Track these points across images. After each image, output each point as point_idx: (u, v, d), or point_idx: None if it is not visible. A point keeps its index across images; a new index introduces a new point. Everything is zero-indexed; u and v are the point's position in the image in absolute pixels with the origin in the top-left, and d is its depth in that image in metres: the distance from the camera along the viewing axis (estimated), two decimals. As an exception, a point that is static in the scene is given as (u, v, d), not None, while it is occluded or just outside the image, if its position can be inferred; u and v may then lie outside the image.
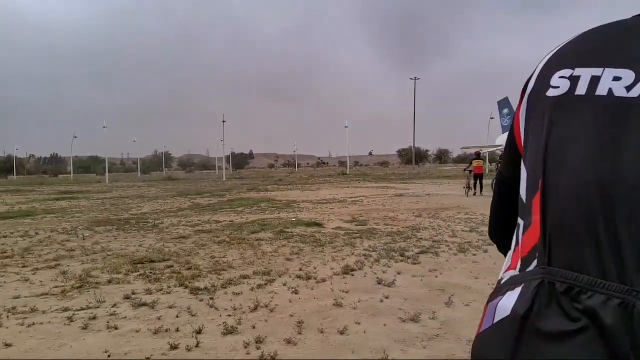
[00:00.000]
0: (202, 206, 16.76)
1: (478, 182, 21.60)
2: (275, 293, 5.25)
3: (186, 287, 5.51)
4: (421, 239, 8.77)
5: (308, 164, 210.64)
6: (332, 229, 10.18)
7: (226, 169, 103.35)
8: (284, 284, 5.62)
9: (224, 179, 48.10)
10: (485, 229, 10.13)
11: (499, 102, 35.09)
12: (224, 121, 52.78)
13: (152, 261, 6.98)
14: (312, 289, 5.42)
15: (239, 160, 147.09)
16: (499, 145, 30.87)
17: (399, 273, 6.09)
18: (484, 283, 5.55)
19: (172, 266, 6.67)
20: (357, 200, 17.90)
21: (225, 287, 5.50)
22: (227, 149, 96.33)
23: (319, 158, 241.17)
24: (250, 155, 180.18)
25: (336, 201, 17.84)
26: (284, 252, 7.62)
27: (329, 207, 15.51)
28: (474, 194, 21.03)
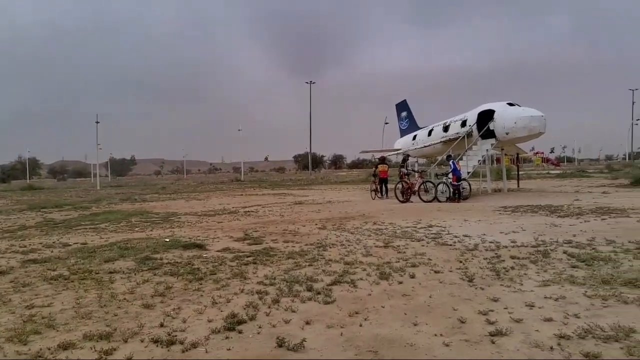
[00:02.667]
0: (55, 223, 13.74)
1: (383, 186, 21.62)
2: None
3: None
4: (330, 260, 7.16)
5: (199, 170, 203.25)
6: (218, 251, 8.22)
7: (105, 176, 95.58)
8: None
9: (98, 187, 43.28)
10: (402, 242, 8.93)
11: (397, 105, 35.21)
12: (97, 122, 47.67)
13: None
14: (174, 366, 3.50)
15: (120, 167, 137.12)
16: (399, 150, 30.77)
17: (307, 323, 4.37)
18: (428, 334, 4.02)
19: (-50, 331, 4.32)
20: (252, 211, 16.00)
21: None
22: (105, 154, 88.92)
23: (211, 164, 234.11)
24: (133, 161, 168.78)
25: (226, 212, 15.78)
26: (143, 292, 5.54)
27: (217, 220, 13.44)
28: (380, 198, 21.08)
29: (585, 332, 3.89)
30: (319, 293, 5.32)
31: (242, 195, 26.85)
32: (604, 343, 3.68)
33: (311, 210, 15.99)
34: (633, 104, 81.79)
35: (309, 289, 5.48)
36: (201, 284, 5.88)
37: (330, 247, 8.33)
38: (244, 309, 4.80)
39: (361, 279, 6.00)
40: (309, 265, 6.83)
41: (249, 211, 16.03)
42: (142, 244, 8.98)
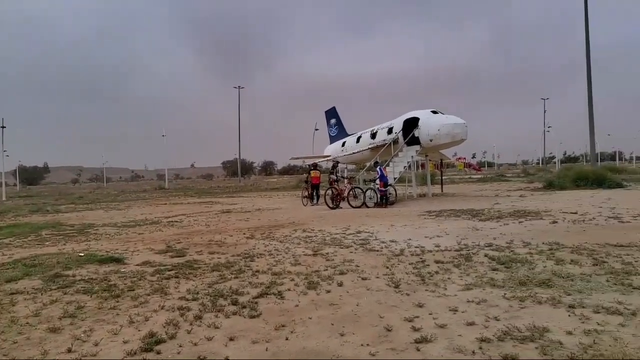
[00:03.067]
0: (-47, 239, 12.51)
1: (315, 192, 21.87)
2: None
3: None
4: (258, 271, 7.01)
5: (121, 177, 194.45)
6: (137, 265, 7.81)
7: (14, 185, 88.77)
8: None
9: (4, 198, 40.13)
10: (330, 250, 8.93)
11: (326, 112, 35.54)
12: (3, 127, 44.23)
13: None
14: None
15: (31, 175, 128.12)
16: (328, 156, 31.05)
17: (231, 339, 4.21)
18: (355, 344, 4.00)
19: None
20: (176, 221, 15.45)
21: None
22: (13, 161, 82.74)
23: (133, 171, 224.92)
24: (46, 169, 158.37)
25: (148, 223, 15.12)
26: (50, 314, 5.12)
27: (137, 231, 12.83)
28: (312, 204, 21.23)
29: (504, 334, 4.03)
30: (244, 307, 5.16)
31: (165, 204, 25.93)
32: (521, 344, 3.82)
33: (239, 219, 15.71)
34: (545, 112, 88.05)
35: (234, 303, 5.31)
36: (117, 302, 5.53)
37: (258, 258, 8.17)
38: (164, 327, 4.55)
39: (289, 289, 5.91)
40: (234, 278, 6.64)
41: (172, 221, 15.46)
42: (52, 259, 8.36)
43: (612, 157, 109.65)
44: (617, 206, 14.45)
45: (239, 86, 78.36)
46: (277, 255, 8.38)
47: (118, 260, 8.15)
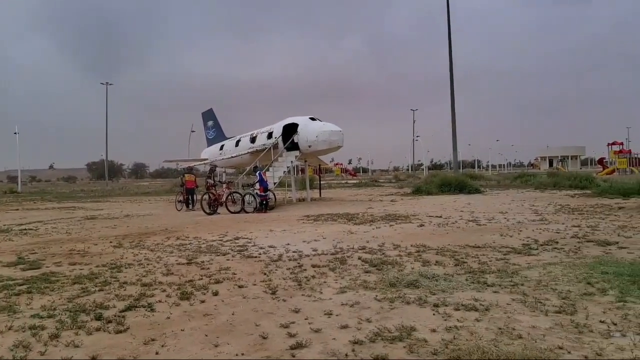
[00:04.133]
0: None
1: (190, 197, 21.41)
2: None
3: None
4: (125, 283, 6.60)
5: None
6: (-20, 280, 6.92)
7: None
8: None
9: None
10: (206, 258, 8.70)
11: (203, 114, 34.69)
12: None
13: None
14: None
15: None
16: (206, 160, 30.33)
17: (93, 358, 3.91)
18: (230, 354, 3.93)
19: None
20: (30, 229, 13.97)
21: None
22: None
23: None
24: None
25: (-4, 232, 13.49)
26: None
27: (-18, 241, 11.37)
28: (187, 210, 20.73)
29: (376, 335, 4.24)
30: (109, 321, 4.82)
31: (18, 210, 23.35)
32: (391, 344, 4.06)
33: (106, 226, 14.67)
34: (414, 122, 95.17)
35: (98, 318, 4.94)
36: (-47, 325, 4.84)
37: (126, 268, 7.69)
38: (11, 350, 4.08)
39: (160, 301, 5.65)
40: (99, 291, 6.18)
41: (25, 229, 13.96)
42: None
43: (472, 165, 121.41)
44: (476, 210, 16.03)
45: (106, 82, 73.52)
46: (148, 264, 7.97)
47: (-45, 276, 7.15)
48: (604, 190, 21.81)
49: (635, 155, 56.72)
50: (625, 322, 4.41)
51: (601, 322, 4.44)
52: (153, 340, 4.30)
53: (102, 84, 73.38)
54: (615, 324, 4.36)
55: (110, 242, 10.82)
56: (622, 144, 63.67)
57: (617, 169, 52.27)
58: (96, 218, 17.53)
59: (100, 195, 38.89)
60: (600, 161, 68.43)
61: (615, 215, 13.21)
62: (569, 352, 3.75)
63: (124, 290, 6.20)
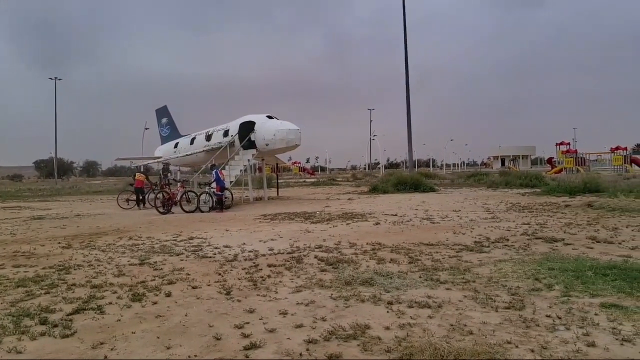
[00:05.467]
0: None
1: (140, 196, 21.20)
2: None
3: None
4: (74, 285, 6.38)
5: None
6: None
7: None
8: None
9: None
10: (159, 258, 8.50)
11: (157, 111, 33.86)
12: None
13: None
14: None
15: None
16: (159, 158, 29.67)
17: (38, 365, 3.76)
18: (182, 356, 3.87)
19: None
20: (-29, 230, 13.28)
21: None
22: None
23: None
24: None
25: None
26: None
27: None
28: (139, 209, 20.51)
29: (330, 334, 4.26)
30: (55, 325, 4.65)
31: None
32: (345, 342, 4.09)
33: (54, 226, 14.12)
34: (371, 122, 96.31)
35: (43, 322, 4.75)
36: None
37: (75, 270, 7.44)
38: (-52, 358, 3.87)
39: (110, 303, 5.49)
40: (45, 294, 5.95)
41: (-33, 230, 13.27)
42: None
43: (428, 163, 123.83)
44: (430, 208, 16.37)
45: (55, 77, 70.79)
46: (98, 266, 7.73)
47: None
48: (552, 188, 22.68)
49: (581, 155, 59.30)
50: (569, 316, 4.61)
51: (547, 316, 4.63)
52: (102, 343, 4.18)
53: (51, 79, 70.67)
54: (560, 318, 4.56)
55: (59, 242, 10.44)
56: (569, 144, 66.37)
57: (565, 168, 54.44)
58: (44, 218, 16.85)
59: (49, 194, 37.36)
60: (549, 161, 71.13)
61: (562, 213, 13.78)
62: (517, 347, 3.89)
63: (72, 292, 5.99)
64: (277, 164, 31.32)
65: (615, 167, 55.34)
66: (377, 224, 12.45)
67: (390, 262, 7.40)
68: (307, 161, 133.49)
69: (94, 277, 6.84)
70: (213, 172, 19.00)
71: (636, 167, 55.78)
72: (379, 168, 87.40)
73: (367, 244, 9.15)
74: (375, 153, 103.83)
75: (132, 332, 4.48)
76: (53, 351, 4.04)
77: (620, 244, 8.59)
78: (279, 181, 30.73)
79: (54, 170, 78.79)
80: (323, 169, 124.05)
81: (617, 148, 58.11)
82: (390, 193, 26.14)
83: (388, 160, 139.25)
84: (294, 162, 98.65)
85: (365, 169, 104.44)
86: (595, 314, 4.64)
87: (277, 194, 27.59)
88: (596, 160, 69.78)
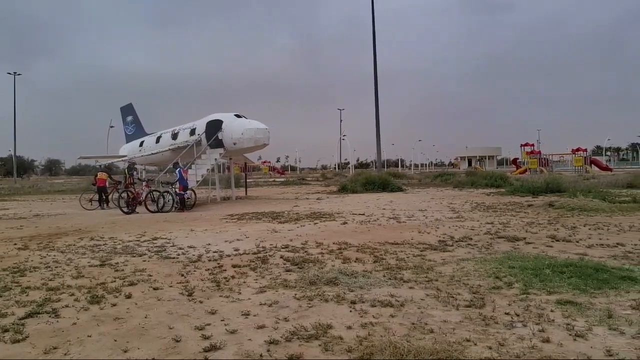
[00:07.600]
0: None
1: (103, 195, 20.97)
2: None
3: None
4: (29, 288, 6.17)
5: None
6: None
7: None
8: None
9: None
10: (121, 259, 8.30)
11: (122, 109, 33.15)
12: None
13: None
14: None
15: None
16: (124, 156, 29.06)
17: (-14, 371, 3.62)
18: (140, 358, 3.79)
19: None
20: None
21: None
22: None
23: None
24: None
25: None
26: None
27: None
28: (102, 209, 20.26)
29: (292, 334, 4.24)
30: (6, 330, 4.49)
31: None
32: (307, 342, 4.07)
33: (10, 226, 13.65)
34: (341, 121, 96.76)
35: (-7, 327, 4.57)
36: None
37: (30, 272, 7.19)
38: None
39: (67, 306, 5.33)
40: (-3, 297, 5.74)
41: None
42: None
43: (396, 164, 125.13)
44: (397, 208, 16.53)
45: (14, 72, 68.46)
46: (56, 267, 7.51)
47: None
48: (516, 189, 23.25)
49: (545, 156, 60.99)
50: (526, 313, 4.71)
51: (506, 314, 4.72)
52: (55, 348, 4.05)
53: (10, 73, 68.28)
54: (517, 315, 4.65)
55: (15, 244, 10.10)
56: (533, 145, 68.14)
57: (529, 168, 55.88)
58: (0, 218, 16.27)
59: (7, 193, 36.10)
60: (514, 161, 72.89)
61: (525, 213, 14.12)
62: (475, 344, 3.95)
63: (26, 295, 5.80)
64: (245, 163, 31.08)
65: (576, 168, 57.11)
66: (345, 223, 12.49)
67: (355, 262, 7.43)
68: (277, 160, 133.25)
69: (50, 280, 6.63)
70: (176, 171, 18.73)
71: (595, 168, 57.70)
72: (349, 168, 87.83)
73: (333, 243, 9.16)
74: (345, 153, 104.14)
75: (88, 336, 4.35)
76: (3, 357, 3.89)
77: (577, 242, 8.86)
78: (247, 181, 30.51)
79: (13, 168, 76.19)
80: (293, 169, 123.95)
81: (578, 149, 59.94)
82: (359, 193, 26.30)
83: (358, 160, 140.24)
84: (264, 162, 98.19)
85: (335, 168, 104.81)
86: (551, 311, 4.76)
87: (246, 194, 27.39)
88: (559, 161, 71.99)
